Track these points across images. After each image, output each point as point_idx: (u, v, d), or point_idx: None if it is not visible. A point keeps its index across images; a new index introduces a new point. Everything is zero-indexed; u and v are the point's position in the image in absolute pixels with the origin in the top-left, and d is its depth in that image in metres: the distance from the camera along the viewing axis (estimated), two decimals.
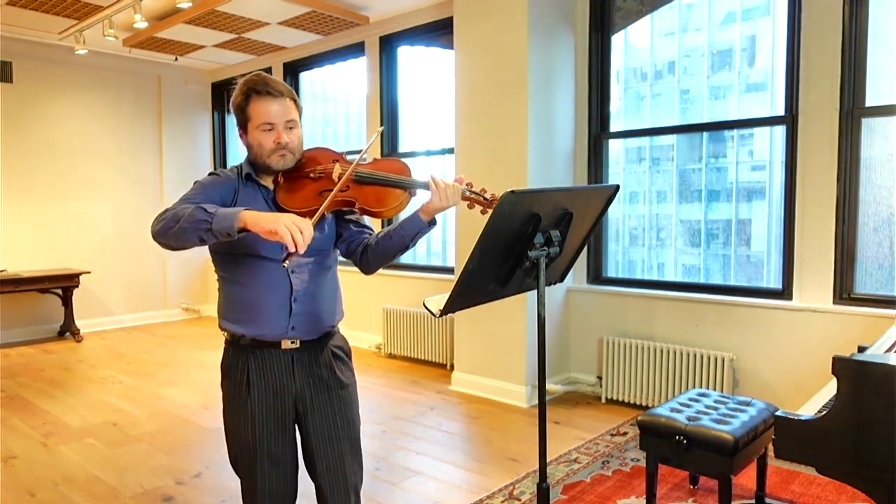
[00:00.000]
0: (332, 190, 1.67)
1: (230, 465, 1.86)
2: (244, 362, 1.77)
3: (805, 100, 3.56)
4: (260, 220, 1.50)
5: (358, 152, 1.73)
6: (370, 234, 1.87)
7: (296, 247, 1.47)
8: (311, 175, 1.75)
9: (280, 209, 1.70)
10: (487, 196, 1.73)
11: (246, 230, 1.52)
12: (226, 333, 1.82)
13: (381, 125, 5.72)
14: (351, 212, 1.85)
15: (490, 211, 1.67)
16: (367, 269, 1.87)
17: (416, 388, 4.72)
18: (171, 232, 1.57)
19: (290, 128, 1.73)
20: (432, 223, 1.74)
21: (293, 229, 1.47)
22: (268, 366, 1.77)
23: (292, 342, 1.76)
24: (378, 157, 1.90)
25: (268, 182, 1.78)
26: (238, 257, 1.74)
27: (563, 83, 4.39)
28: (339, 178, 1.69)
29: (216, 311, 1.84)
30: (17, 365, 5.53)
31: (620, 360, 4.21)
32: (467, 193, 1.72)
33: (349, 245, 1.85)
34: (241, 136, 1.78)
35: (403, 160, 1.85)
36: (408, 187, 1.73)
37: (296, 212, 1.66)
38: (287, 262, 1.54)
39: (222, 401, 1.85)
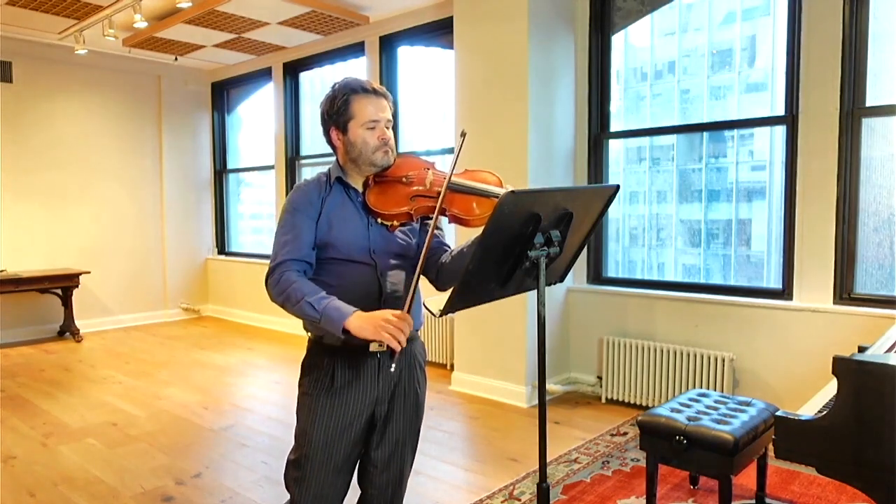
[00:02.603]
0: (423, 195, 1.72)
1: (285, 465, 1.84)
2: (330, 363, 1.77)
3: (805, 100, 3.56)
4: (362, 331, 1.59)
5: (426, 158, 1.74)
6: (448, 251, 1.88)
7: (401, 346, 1.56)
8: (403, 179, 1.77)
9: (370, 211, 1.75)
10: None
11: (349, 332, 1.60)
12: (310, 333, 1.82)
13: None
14: (435, 226, 1.87)
15: None
16: (441, 285, 1.86)
17: None
18: (286, 309, 1.70)
19: (388, 127, 1.80)
20: None
21: (394, 332, 1.55)
22: (354, 368, 1.77)
23: (380, 345, 1.74)
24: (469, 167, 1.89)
25: (357, 184, 1.81)
26: (327, 261, 1.76)
27: (563, 83, 4.39)
28: (432, 185, 1.71)
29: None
30: (17, 365, 5.53)
31: (620, 360, 4.21)
32: None
33: (428, 258, 1.83)
34: (336, 137, 1.79)
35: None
36: (497, 197, 1.72)
37: (386, 213, 1.72)
38: (395, 365, 1.60)
39: (297, 399, 1.84)
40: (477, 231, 1.69)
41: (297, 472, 1.79)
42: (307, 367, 1.83)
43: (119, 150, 7.14)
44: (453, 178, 1.72)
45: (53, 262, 6.63)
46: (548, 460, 2.02)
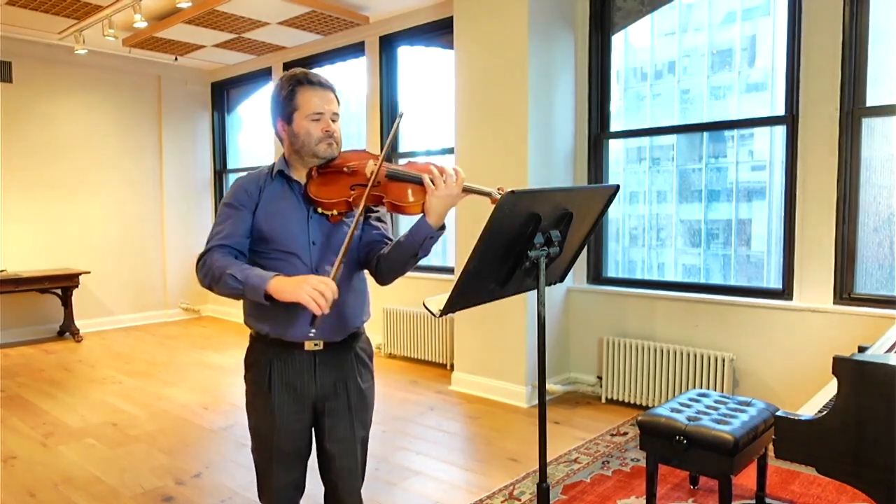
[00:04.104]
0: (363, 184, 1.70)
1: (250, 454, 1.92)
2: (267, 360, 1.80)
3: (805, 100, 3.56)
4: (283, 292, 1.58)
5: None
6: (389, 244, 1.87)
7: (321, 310, 1.55)
8: (345, 169, 1.77)
9: (311, 200, 1.75)
10: (497, 194, 1.71)
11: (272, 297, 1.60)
12: (251, 330, 1.84)
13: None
14: (378, 218, 1.87)
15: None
16: (381, 279, 1.85)
17: (416, 388, 4.72)
18: (213, 289, 1.71)
19: (334, 120, 1.80)
20: (442, 228, 1.70)
21: (314, 294, 1.55)
22: (290, 366, 1.78)
23: (315, 344, 1.77)
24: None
25: (300, 176, 1.81)
26: (265, 253, 1.77)
27: (563, 83, 4.39)
28: (373, 174, 1.70)
29: (242, 308, 1.87)
30: (17, 365, 5.53)
31: (620, 360, 4.21)
32: (496, 196, 1.67)
33: (369, 252, 1.84)
34: (281, 128, 1.80)
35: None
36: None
37: (326, 202, 1.72)
38: (314, 328, 1.59)
39: (245, 394, 1.88)
40: (414, 218, 1.71)
41: (255, 461, 1.88)
42: (248, 364, 1.87)
43: (119, 149, 7.14)
44: (391, 167, 1.73)
45: (53, 262, 6.63)
46: (548, 460, 2.02)
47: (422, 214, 1.69)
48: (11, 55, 6.25)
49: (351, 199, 1.72)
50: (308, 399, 1.80)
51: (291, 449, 1.82)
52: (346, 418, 1.83)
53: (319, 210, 1.75)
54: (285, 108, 1.76)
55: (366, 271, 1.90)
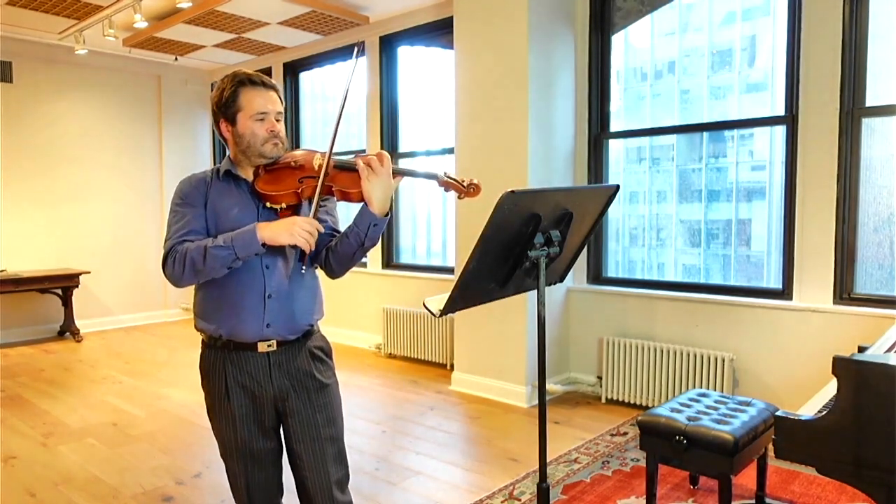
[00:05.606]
0: (311, 176, 1.74)
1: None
2: (221, 366, 1.79)
3: (805, 100, 3.56)
4: (277, 236, 1.65)
5: (350, 153, 1.76)
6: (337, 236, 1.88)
7: (311, 248, 1.66)
8: (292, 164, 1.79)
9: (259, 195, 1.77)
10: (465, 183, 1.73)
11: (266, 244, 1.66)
12: (203, 335, 1.83)
13: (381, 125, 5.72)
14: (327, 212, 1.88)
15: (466, 196, 1.72)
16: (331, 272, 1.86)
17: (416, 388, 4.72)
18: (201, 274, 1.68)
19: (278, 120, 1.80)
20: (386, 215, 1.73)
21: (306, 236, 1.64)
22: (245, 370, 1.78)
23: (269, 345, 1.76)
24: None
25: (248, 175, 1.81)
26: None
27: (563, 83, 4.39)
28: (319, 167, 1.73)
29: (192, 311, 1.87)
30: (17, 365, 5.53)
31: (620, 360, 4.21)
32: (444, 178, 1.73)
33: (317, 245, 1.83)
34: (225, 129, 1.79)
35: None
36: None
37: (274, 195, 1.75)
38: (305, 266, 1.71)
39: (205, 401, 1.88)
40: (358, 206, 1.75)
41: (225, 464, 1.86)
42: (203, 372, 1.87)
43: (119, 149, 7.14)
44: (336, 158, 1.76)
45: (53, 262, 6.63)
46: (548, 460, 2.02)
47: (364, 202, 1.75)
48: (12, 55, 6.25)
49: (299, 191, 1.75)
50: (267, 401, 1.79)
51: (257, 451, 1.82)
52: (309, 417, 1.82)
53: (268, 204, 1.76)
54: (228, 108, 1.76)
55: (317, 270, 1.91)
